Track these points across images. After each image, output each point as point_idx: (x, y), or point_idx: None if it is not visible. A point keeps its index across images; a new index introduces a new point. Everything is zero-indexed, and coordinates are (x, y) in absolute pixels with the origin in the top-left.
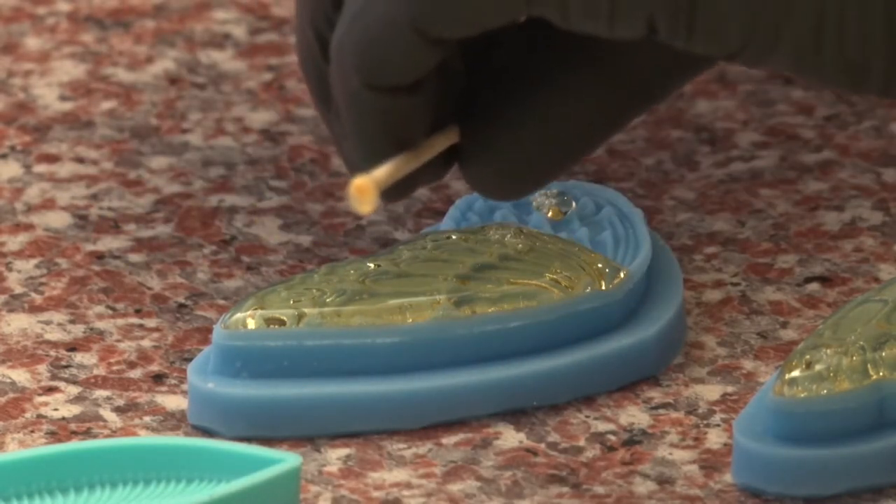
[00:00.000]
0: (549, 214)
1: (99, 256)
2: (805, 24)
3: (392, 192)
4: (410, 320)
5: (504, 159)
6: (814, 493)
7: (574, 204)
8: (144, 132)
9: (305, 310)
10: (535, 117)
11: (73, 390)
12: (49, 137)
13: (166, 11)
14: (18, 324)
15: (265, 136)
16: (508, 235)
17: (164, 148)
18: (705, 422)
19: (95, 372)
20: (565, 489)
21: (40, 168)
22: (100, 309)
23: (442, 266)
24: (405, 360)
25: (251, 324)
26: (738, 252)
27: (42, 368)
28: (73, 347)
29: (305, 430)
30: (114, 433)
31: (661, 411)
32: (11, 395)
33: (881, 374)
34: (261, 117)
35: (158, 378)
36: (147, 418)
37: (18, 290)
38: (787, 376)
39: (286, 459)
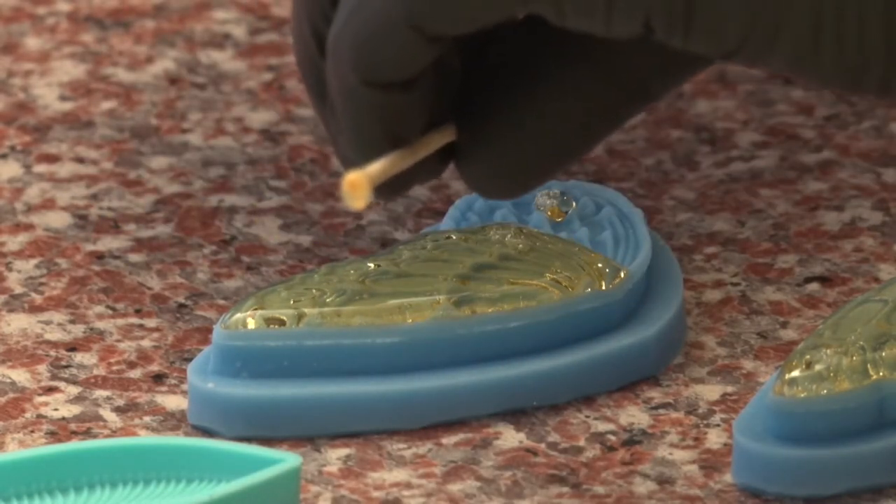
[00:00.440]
0: (549, 214)
1: (99, 256)
2: (803, 24)
3: (388, 190)
4: (410, 320)
5: (501, 157)
6: (814, 493)
7: (574, 204)
8: (144, 132)
9: (305, 310)
10: (533, 116)
11: (73, 390)
12: (49, 137)
13: (166, 11)
14: (18, 324)
15: (265, 136)
16: (508, 235)
17: (164, 148)
18: (705, 422)
19: (95, 372)
20: (565, 489)
21: (40, 168)
22: (100, 309)
23: (442, 266)
24: (405, 360)
25: (251, 324)
26: (738, 252)
27: (42, 368)
28: (73, 347)
29: (305, 430)
30: (114, 433)
31: (661, 411)
32: (11, 395)
33: (881, 374)
34: (261, 117)
35: (158, 378)
36: (147, 418)
37: (18, 290)
38: (787, 376)
39: (286, 459)
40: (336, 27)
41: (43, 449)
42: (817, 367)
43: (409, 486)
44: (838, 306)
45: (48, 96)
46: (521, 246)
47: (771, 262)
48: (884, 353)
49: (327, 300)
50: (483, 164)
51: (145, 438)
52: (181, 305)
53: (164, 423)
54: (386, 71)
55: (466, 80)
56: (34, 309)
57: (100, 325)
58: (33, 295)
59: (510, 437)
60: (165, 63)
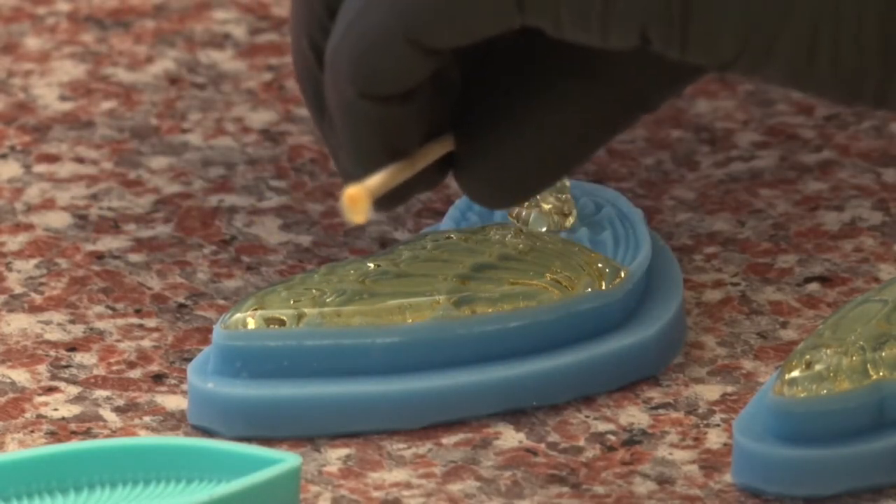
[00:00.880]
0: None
1: (99, 256)
2: (799, 36)
3: (386, 201)
4: (410, 320)
5: (499, 168)
6: (814, 493)
7: (574, 211)
8: (144, 132)
9: (305, 310)
10: (531, 127)
11: (73, 390)
12: (49, 137)
13: (166, 11)
14: (18, 324)
15: (265, 136)
16: (508, 235)
17: (164, 148)
18: (705, 422)
19: (95, 372)
20: (565, 489)
21: (40, 168)
22: (100, 309)
23: (442, 266)
24: (405, 360)
25: (251, 324)
26: (738, 252)
27: (42, 368)
28: (73, 347)
29: (305, 430)
30: (114, 433)
31: (661, 411)
32: (11, 395)
33: (881, 374)
34: (261, 117)
35: (158, 378)
36: (147, 418)
37: (18, 290)
38: (787, 376)
39: (286, 459)
40: (334, 40)
41: (43, 449)
42: (817, 367)
43: (409, 486)
44: (838, 306)
45: (48, 96)
46: (521, 246)
47: (771, 262)
48: (884, 353)
49: (327, 300)
50: (481, 173)
51: (145, 438)
52: (181, 305)
53: (164, 423)
54: (384, 84)
55: (465, 89)
56: (34, 309)
57: (100, 325)
58: (33, 295)
59: (510, 437)
60: (165, 63)
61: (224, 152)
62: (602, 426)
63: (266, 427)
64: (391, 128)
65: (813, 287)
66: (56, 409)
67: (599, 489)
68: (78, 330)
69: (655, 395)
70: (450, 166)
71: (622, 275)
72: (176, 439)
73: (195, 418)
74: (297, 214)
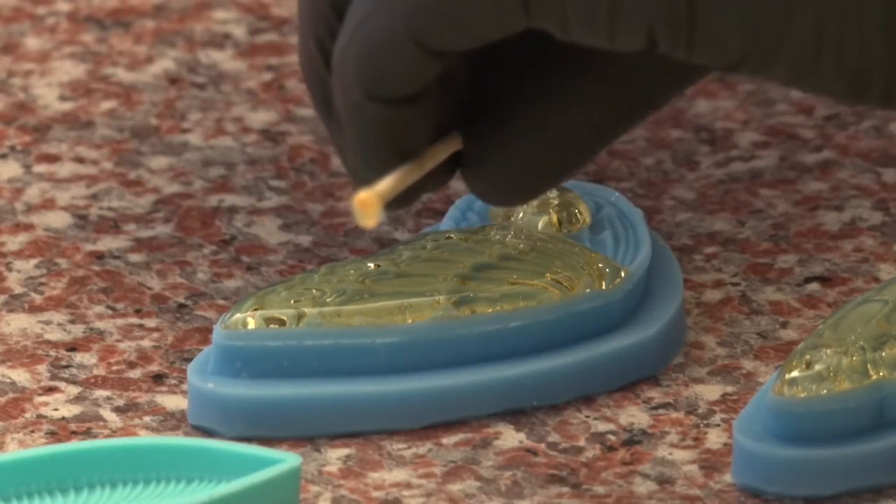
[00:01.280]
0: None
1: (99, 256)
2: (805, 36)
3: (395, 202)
4: (410, 320)
5: (506, 167)
6: (814, 493)
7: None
8: (144, 132)
9: (305, 310)
10: (537, 125)
11: (73, 390)
12: (49, 137)
13: (166, 11)
14: (18, 324)
15: (265, 136)
16: (508, 235)
17: (164, 148)
18: (705, 422)
19: (95, 372)
20: (565, 489)
21: (40, 168)
22: (100, 309)
23: (442, 266)
24: (405, 360)
25: (251, 324)
26: (738, 252)
27: (42, 368)
28: (73, 347)
29: (305, 430)
30: (114, 433)
31: (661, 411)
32: (11, 395)
33: (881, 374)
34: (261, 117)
35: (158, 378)
36: (147, 418)
37: (18, 290)
38: (787, 376)
39: (286, 459)
40: (341, 42)
41: (43, 449)
42: (817, 367)
43: (409, 486)
44: (838, 306)
45: (48, 96)
46: (521, 246)
47: (771, 262)
48: (884, 353)
49: (327, 300)
50: (488, 173)
51: (145, 438)
52: (181, 305)
53: (164, 423)
54: (391, 86)
55: (472, 88)
56: (34, 309)
57: (100, 325)
58: (33, 295)
59: (510, 437)
60: (165, 63)
61: (224, 152)
62: (602, 426)
63: (266, 427)
64: (399, 129)
65: (813, 287)
66: (56, 409)
67: (599, 489)
68: (78, 330)
69: (655, 395)
70: (457, 165)
71: (622, 275)
72: (176, 439)
73: (195, 418)
74: (297, 214)
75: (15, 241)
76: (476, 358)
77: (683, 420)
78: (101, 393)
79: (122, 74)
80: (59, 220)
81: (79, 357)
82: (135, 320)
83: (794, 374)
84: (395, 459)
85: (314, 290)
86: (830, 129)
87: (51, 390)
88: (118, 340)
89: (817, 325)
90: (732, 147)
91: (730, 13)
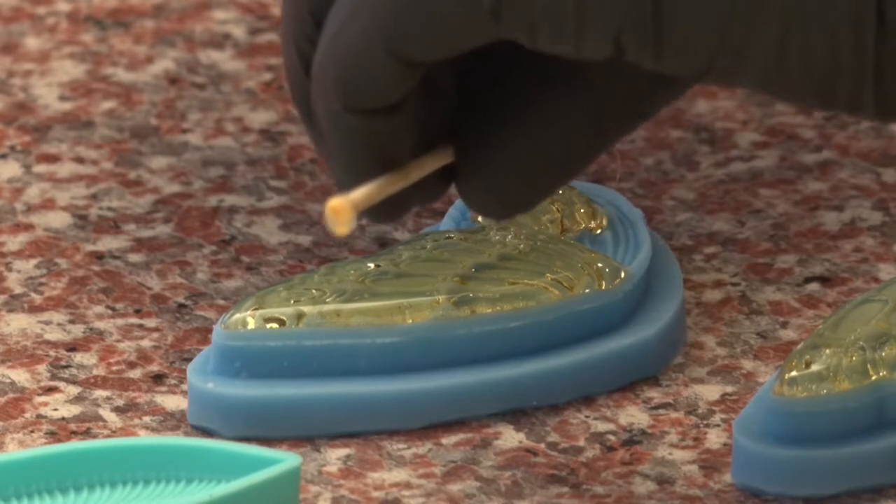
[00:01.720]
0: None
1: (99, 256)
2: (771, 41)
3: (385, 213)
4: (410, 320)
5: (500, 178)
6: (813, 493)
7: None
8: (144, 132)
9: (305, 309)
10: (530, 136)
11: (73, 390)
12: (49, 137)
13: (166, 11)
14: (18, 324)
15: (265, 136)
16: (509, 236)
17: (164, 148)
18: (705, 422)
19: (95, 372)
20: (565, 489)
21: (40, 168)
22: (99, 309)
23: (442, 266)
24: (405, 360)
25: (251, 324)
26: (737, 252)
27: (42, 368)
28: (72, 347)
29: (305, 430)
30: (113, 433)
31: (661, 411)
32: (11, 395)
33: (881, 374)
34: (261, 117)
35: (158, 378)
36: (147, 418)
37: (18, 290)
38: (786, 376)
39: (286, 459)
40: (318, 53)
41: (43, 449)
42: (817, 367)
43: (408, 486)
44: (838, 306)
45: (48, 96)
46: (521, 246)
47: (771, 262)
48: (884, 353)
49: (327, 300)
50: (482, 185)
51: (145, 438)
52: (181, 305)
53: (163, 424)
54: (368, 97)
55: (464, 100)
56: (34, 309)
57: (100, 325)
58: (33, 295)
59: (510, 437)
60: (165, 63)
61: (224, 152)
62: (602, 426)
63: (266, 427)
64: (380, 140)
65: (813, 287)
66: (56, 409)
67: (599, 489)
68: (78, 330)
69: (655, 395)
70: (452, 177)
71: (622, 275)
72: (176, 439)
73: (195, 418)
74: (297, 214)
75: (15, 241)
76: (476, 358)
77: (683, 420)
78: (100, 393)
79: (122, 74)
80: (59, 220)
81: (79, 357)
82: (135, 320)
83: (794, 374)
84: (394, 459)
85: (314, 290)
86: (830, 129)
87: (50, 390)
88: (118, 340)
89: (817, 325)
90: (732, 147)
91: (696, 19)
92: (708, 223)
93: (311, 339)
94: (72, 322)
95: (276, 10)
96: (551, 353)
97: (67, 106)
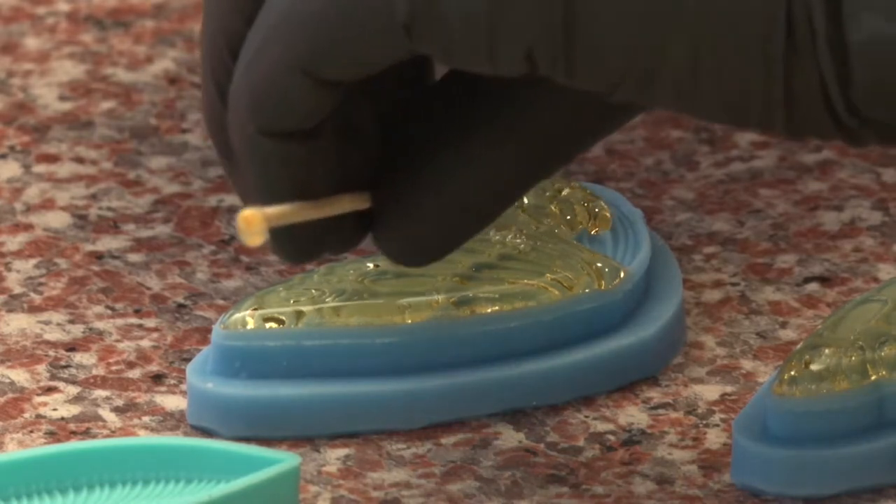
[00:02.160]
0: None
1: (98, 256)
2: (681, 57)
3: (294, 247)
4: (409, 320)
5: (415, 230)
6: (813, 493)
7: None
8: (144, 132)
9: (304, 309)
10: (446, 187)
11: (73, 390)
12: (49, 137)
13: (166, 11)
14: (18, 324)
15: None
16: (509, 235)
17: (164, 148)
18: (704, 422)
19: (95, 372)
20: (564, 489)
21: (40, 168)
22: (99, 309)
23: (442, 266)
24: (405, 360)
25: (250, 324)
26: (737, 252)
27: (41, 368)
28: (72, 347)
29: (305, 430)
30: (113, 433)
31: (661, 411)
32: (11, 395)
33: (881, 373)
34: None
35: (158, 378)
36: (146, 418)
37: (18, 290)
38: (786, 376)
39: (285, 459)
40: (234, 79)
41: (42, 449)
42: (817, 367)
43: (408, 486)
44: (838, 306)
45: (48, 96)
46: (521, 246)
47: (770, 262)
48: (883, 353)
49: (327, 300)
50: (399, 235)
51: (145, 438)
52: (181, 305)
53: (163, 423)
54: (282, 118)
55: (387, 151)
56: (33, 309)
57: (99, 325)
58: (33, 295)
59: (510, 437)
60: (165, 63)
61: None
62: (601, 426)
63: (265, 427)
64: (295, 166)
65: (812, 287)
66: (55, 409)
67: (599, 489)
68: (77, 330)
69: (655, 395)
70: (367, 226)
71: (622, 275)
72: (175, 439)
73: (194, 418)
74: None
75: (15, 241)
76: (476, 358)
77: (683, 420)
78: (100, 393)
79: (122, 74)
80: (58, 220)
81: (78, 357)
82: (134, 320)
83: (794, 373)
84: (394, 459)
85: (313, 290)
86: None
87: (50, 390)
88: (117, 340)
89: (817, 325)
90: (732, 147)
91: (608, 33)
92: (708, 223)
93: (310, 339)
94: (71, 322)
95: None
96: (551, 353)
97: (67, 106)
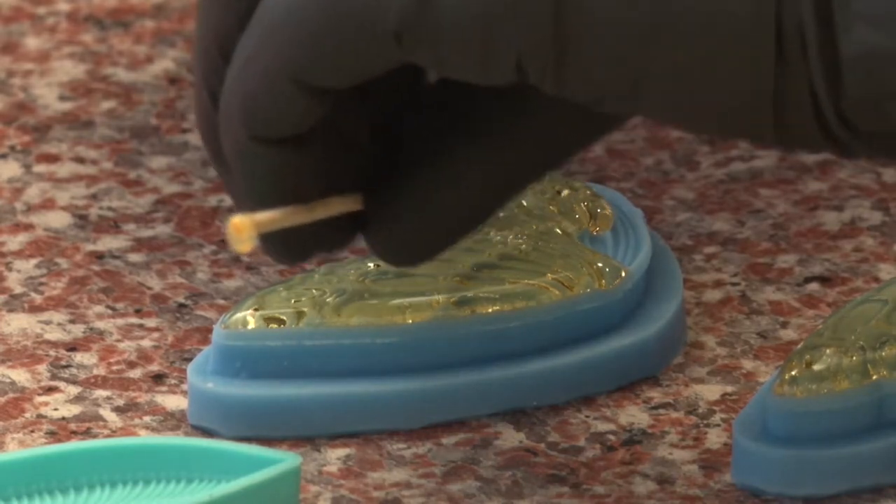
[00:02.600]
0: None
1: (99, 256)
2: (669, 71)
3: (285, 249)
4: (410, 320)
5: (406, 232)
6: (813, 493)
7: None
8: (144, 132)
9: (305, 309)
10: (436, 191)
11: (73, 390)
12: (49, 137)
13: (166, 11)
14: (18, 324)
15: None
16: (510, 235)
17: (164, 148)
18: (705, 422)
19: (95, 372)
20: (565, 489)
21: (40, 168)
22: (100, 309)
23: (442, 266)
24: (405, 360)
25: (251, 324)
26: (737, 252)
27: (42, 368)
28: (73, 347)
29: (305, 430)
30: (114, 433)
31: (661, 411)
32: (11, 395)
33: (881, 373)
34: None
35: (158, 378)
36: (147, 418)
37: (18, 290)
38: (786, 376)
39: (286, 459)
40: (226, 84)
41: (43, 449)
42: (817, 367)
43: (408, 486)
44: (838, 306)
45: (48, 96)
46: (521, 246)
47: (771, 262)
48: (884, 353)
49: (327, 300)
50: (390, 236)
51: (145, 438)
52: (181, 305)
53: (163, 423)
54: (273, 125)
55: (378, 155)
56: (34, 309)
57: (100, 324)
58: (33, 295)
59: (510, 437)
60: (165, 63)
61: None
62: (602, 426)
63: (266, 427)
64: (286, 173)
65: (813, 287)
66: (56, 409)
67: (599, 489)
68: (78, 330)
69: (655, 394)
70: (358, 227)
71: (622, 275)
72: (176, 439)
73: (195, 418)
74: None
75: (15, 241)
76: (476, 358)
77: (683, 420)
78: (100, 393)
79: (122, 74)
80: (59, 219)
81: (79, 357)
82: (135, 320)
83: (794, 373)
84: (394, 459)
85: (314, 290)
86: None
87: (51, 390)
88: (118, 340)
89: (817, 324)
90: (732, 147)
91: (597, 46)
92: (708, 223)
93: (311, 339)
94: (72, 322)
95: None
96: (551, 353)
97: (67, 106)
